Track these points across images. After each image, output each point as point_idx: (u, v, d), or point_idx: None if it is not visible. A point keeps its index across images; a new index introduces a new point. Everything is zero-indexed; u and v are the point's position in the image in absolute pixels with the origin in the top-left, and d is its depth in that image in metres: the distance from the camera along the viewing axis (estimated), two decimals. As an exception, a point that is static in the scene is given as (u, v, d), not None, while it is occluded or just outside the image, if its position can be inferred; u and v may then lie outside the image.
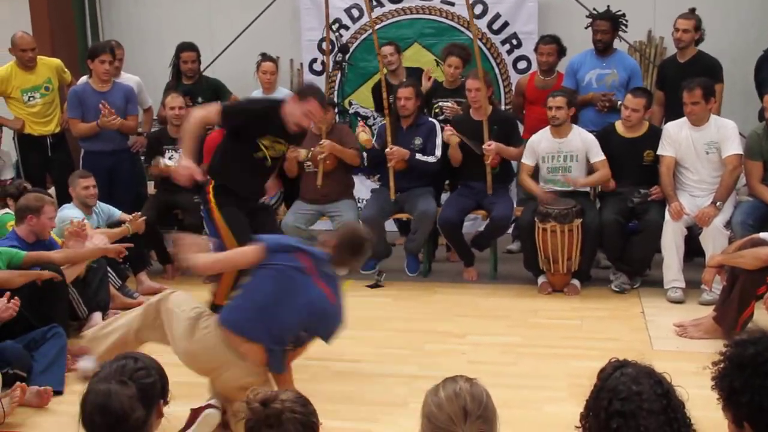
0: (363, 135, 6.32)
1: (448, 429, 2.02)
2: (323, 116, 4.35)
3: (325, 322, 3.68)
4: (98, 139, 6.46)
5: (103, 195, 6.00)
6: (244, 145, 4.55)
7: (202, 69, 7.12)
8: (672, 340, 4.86)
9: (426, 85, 6.58)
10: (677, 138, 5.65)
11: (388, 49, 6.70)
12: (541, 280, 5.92)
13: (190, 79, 6.96)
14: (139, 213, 5.96)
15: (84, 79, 6.64)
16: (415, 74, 6.77)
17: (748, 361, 1.91)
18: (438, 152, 6.17)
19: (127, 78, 6.93)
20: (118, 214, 5.98)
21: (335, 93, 7.53)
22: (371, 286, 6.07)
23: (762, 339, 1.94)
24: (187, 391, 4.14)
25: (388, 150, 6.11)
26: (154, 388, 2.19)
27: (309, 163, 6.33)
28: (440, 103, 6.58)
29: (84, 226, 5.44)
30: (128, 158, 6.72)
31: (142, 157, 6.87)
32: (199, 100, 6.92)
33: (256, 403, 2.04)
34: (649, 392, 1.89)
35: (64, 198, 6.07)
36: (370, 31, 7.22)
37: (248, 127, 4.52)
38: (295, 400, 2.06)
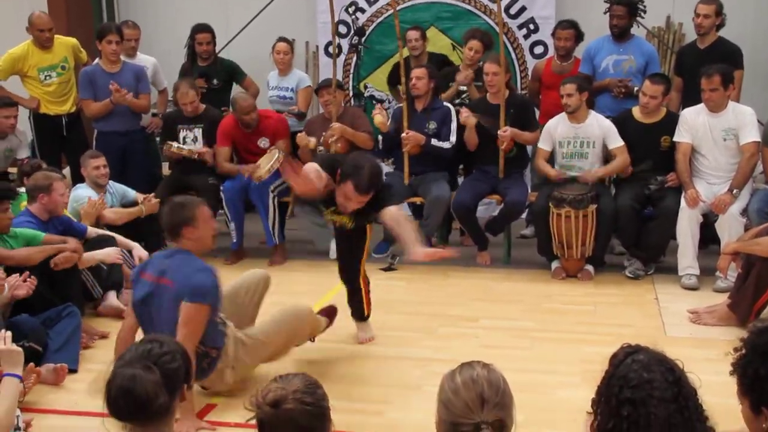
0: (378, 117, 6.27)
1: (464, 416, 2.00)
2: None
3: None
4: (111, 119, 6.48)
5: (116, 175, 6.02)
6: None
7: (217, 51, 7.12)
8: (685, 326, 4.84)
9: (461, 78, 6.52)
10: (694, 124, 5.61)
11: (413, 34, 6.67)
12: (554, 265, 5.91)
13: (205, 61, 6.95)
14: (153, 194, 5.98)
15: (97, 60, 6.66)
16: (434, 59, 6.74)
17: None
18: (453, 138, 6.14)
19: (144, 59, 6.94)
20: (133, 194, 6.00)
21: (351, 76, 7.51)
22: (385, 270, 6.07)
23: None
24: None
25: (403, 135, 6.09)
26: (178, 374, 2.20)
27: (321, 148, 6.32)
28: (459, 87, 6.56)
29: (103, 205, 5.49)
30: (142, 139, 6.75)
31: (158, 138, 6.88)
32: (215, 81, 6.94)
33: (266, 406, 2.01)
34: (660, 380, 1.89)
35: (78, 178, 6.09)
36: (387, 14, 7.22)
37: None
38: (304, 390, 2.03)
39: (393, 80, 6.73)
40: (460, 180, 6.56)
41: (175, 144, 6.31)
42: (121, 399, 2.12)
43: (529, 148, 6.40)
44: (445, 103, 6.30)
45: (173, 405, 2.20)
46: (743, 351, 1.97)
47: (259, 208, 6.31)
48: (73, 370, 4.23)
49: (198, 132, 6.45)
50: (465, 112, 6.01)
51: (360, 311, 4.72)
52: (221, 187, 6.32)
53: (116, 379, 2.15)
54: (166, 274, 3.64)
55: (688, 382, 1.92)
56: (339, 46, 7.57)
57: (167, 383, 2.15)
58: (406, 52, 6.54)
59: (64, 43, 6.63)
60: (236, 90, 7.08)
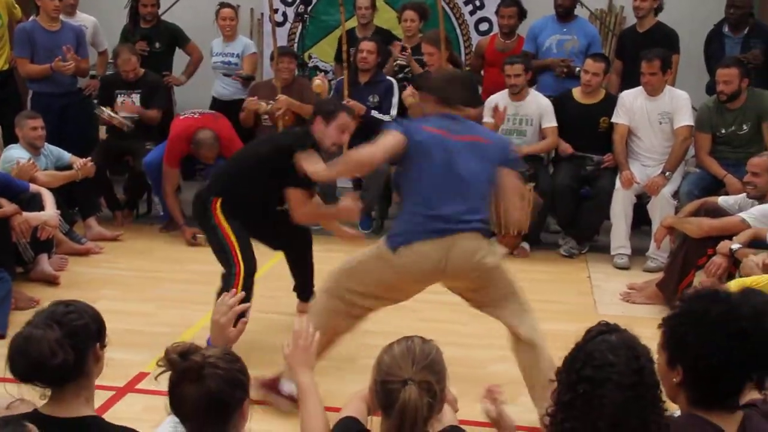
0: (317, 80, 6.23)
1: (393, 373, 2.07)
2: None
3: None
4: (48, 80, 6.31)
5: (52, 137, 5.87)
6: (274, 191, 4.07)
7: (160, 13, 6.97)
8: (616, 305, 4.97)
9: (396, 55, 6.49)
10: (632, 107, 5.73)
11: (363, 2, 6.64)
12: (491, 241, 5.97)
13: (148, 23, 6.81)
14: (89, 158, 5.87)
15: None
16: (381, 34, 6.70)
17: (710, 319, 1.94)
18: (393, 112, 6.15)
19: (83, 18, 6.76)
20: (67, 157, 5.87)
21: (295, 46, 7.43)
22: None
23: (721, 298, 1.99)
24: (134, 339, 4.15)
25: (343, 103, 6.07)
26: (86, 331, 2.13)
27: (266, 117, 6.27)
28: (399, 62, 6.54)
29: (33, 167, 5.34)
30: (79, 101, 6.58)
31: (95, 101, 6.73)
32: (157, 45, 6.80)
33: (174, 354, 1.98)
34: (622, 365, 1.88)
35: (10, 138, 5.93)
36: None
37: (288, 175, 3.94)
38: (219, 356, 1.99)
39: (340, 57, 6.66)
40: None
41: (107, 111, 6.17)
42: (17, 358, 2.08)
43: (470, 125, 6.43)
44: (388, 77, 6.30)
45: (85, 366, 2.12)
46: (677, 310, 2.02)
47: None
48: (1, 336, 4.14)
49: (136, 97, 6.34)
50: (409, 90, 6.01)
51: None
52: (143, 163, 6.17)
53: (15, 340, 2.11)
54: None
55: (652, 371, 1.92)
56: (284, 14, 7.49)
57: (72, 340, 2.09)
58: (349, 24, 6.50)
59: (-3, -1, 6.41)
60: (179, 54, 6.96)
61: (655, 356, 1.99)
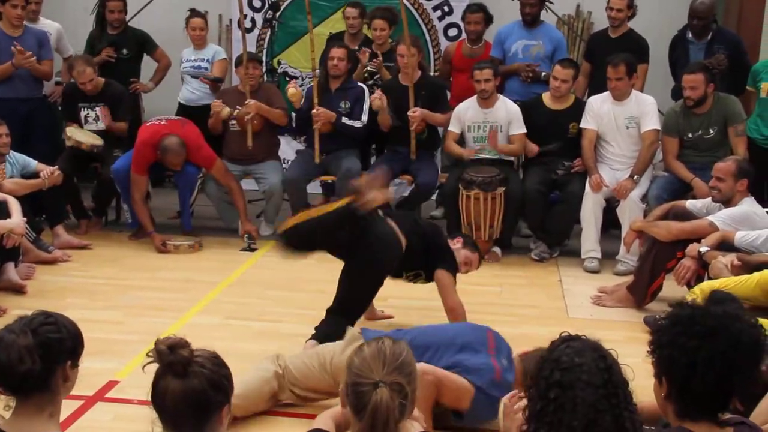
0: (292, 89, 6.20)
1: (364, 375, 2.08)
2: None
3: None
4: (11, 85, 6.20)
5: (17, 144, 5.78)
6: None
7: (127, 19, 6.90)
8: (587, 308, 5.00)
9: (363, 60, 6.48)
10: (599, 112, 5.78)
11: (352, 11, 6.61)
12: (462, 246, 5.99)
13: (115, 30, 6.74)
14: (56, 167, 5.79)
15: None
16: (367, 43, 6.68)
17: (681, 320, 1.99)
18: (365, 117, 6.14)
19: (47, 24, 6.67)
20: (33, 164, 5.78)
21: (264, 52, 7.41)
22: (243, 250, 5.95)
23: (703, 306, 2.03)
24: (103, 347, 4.10)
25: (314, 111, 6.05)
26: (59, 345, 2.10)
27: (234, 121, 6.24)
28: (369, 68, 6.55)
29: (1, 175, 5.27)
30: (44, 107, 6.48)
31: (60, 108, 6.64)
32: (124, 51, 6.74)
33: (162, 345, 1.96)
34: (590, 365, 1.91)
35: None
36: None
37: None
38: (208, 356, 2.00)
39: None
40: (372, 159, 6.58)
41: (74, 138, 6.07)
42: None
43: (440, 130, 6.46)
44: (359, 83, 6.29)
45: (52, 380, 2.09)
46: (663, 321, 2.05)
47: (183, 191, 6.20)
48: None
49: (100, 110, 6.24)
50: (376, 95, 6.02)
51: None
52: (111, 170, 6.09)
53: None
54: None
55: (619, 370, 1.96)
56: (252, 20, 7.46)
57: (44, 351, 2.06)
58: (317, 31, 6.48)
59: (-41, 5, 6.30)
60: (147, 61, 6.91)
61: (620, 359, 2.01)
